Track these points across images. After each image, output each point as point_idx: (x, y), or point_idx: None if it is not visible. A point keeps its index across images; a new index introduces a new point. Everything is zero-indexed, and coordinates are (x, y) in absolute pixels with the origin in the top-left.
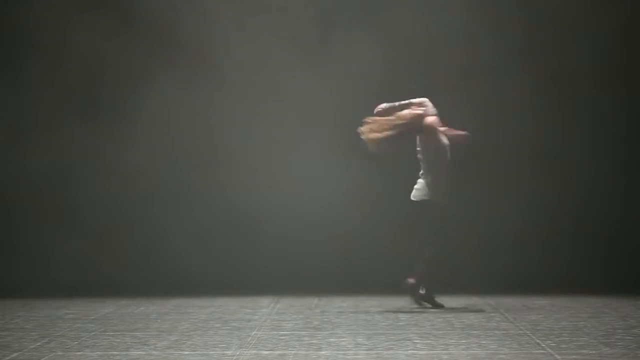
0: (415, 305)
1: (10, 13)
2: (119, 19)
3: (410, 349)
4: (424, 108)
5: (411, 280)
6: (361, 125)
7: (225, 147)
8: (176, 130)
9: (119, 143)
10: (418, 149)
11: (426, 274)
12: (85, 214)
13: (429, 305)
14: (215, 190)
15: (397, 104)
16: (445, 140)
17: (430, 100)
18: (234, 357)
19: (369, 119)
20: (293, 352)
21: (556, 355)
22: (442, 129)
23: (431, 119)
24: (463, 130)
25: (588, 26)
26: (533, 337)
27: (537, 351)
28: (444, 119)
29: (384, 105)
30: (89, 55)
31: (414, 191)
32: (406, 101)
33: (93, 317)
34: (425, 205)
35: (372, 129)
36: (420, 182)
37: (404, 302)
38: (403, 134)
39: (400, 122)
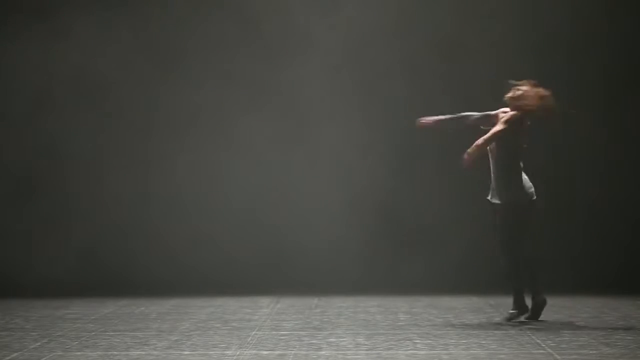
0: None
1: None
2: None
3: (410, 349)
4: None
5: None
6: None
7: (224, 147)
8: (175, 129)
9: (124, 140)
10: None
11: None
12: (84, 212)
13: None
14: (215, 190)
15: (448, 116)
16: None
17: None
18: (234, 357)
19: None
20: (293, 352)
21: (556, 355)
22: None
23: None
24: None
25: None
26: (533, 337)
27: (537, 351)
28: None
29: (433, 118)
30: None
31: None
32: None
33: (93, 317)
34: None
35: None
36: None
37: (404, 302)
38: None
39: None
